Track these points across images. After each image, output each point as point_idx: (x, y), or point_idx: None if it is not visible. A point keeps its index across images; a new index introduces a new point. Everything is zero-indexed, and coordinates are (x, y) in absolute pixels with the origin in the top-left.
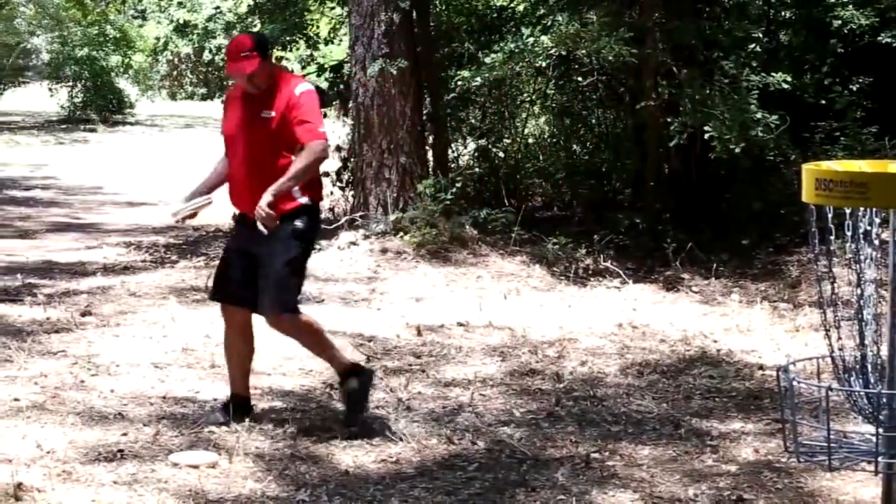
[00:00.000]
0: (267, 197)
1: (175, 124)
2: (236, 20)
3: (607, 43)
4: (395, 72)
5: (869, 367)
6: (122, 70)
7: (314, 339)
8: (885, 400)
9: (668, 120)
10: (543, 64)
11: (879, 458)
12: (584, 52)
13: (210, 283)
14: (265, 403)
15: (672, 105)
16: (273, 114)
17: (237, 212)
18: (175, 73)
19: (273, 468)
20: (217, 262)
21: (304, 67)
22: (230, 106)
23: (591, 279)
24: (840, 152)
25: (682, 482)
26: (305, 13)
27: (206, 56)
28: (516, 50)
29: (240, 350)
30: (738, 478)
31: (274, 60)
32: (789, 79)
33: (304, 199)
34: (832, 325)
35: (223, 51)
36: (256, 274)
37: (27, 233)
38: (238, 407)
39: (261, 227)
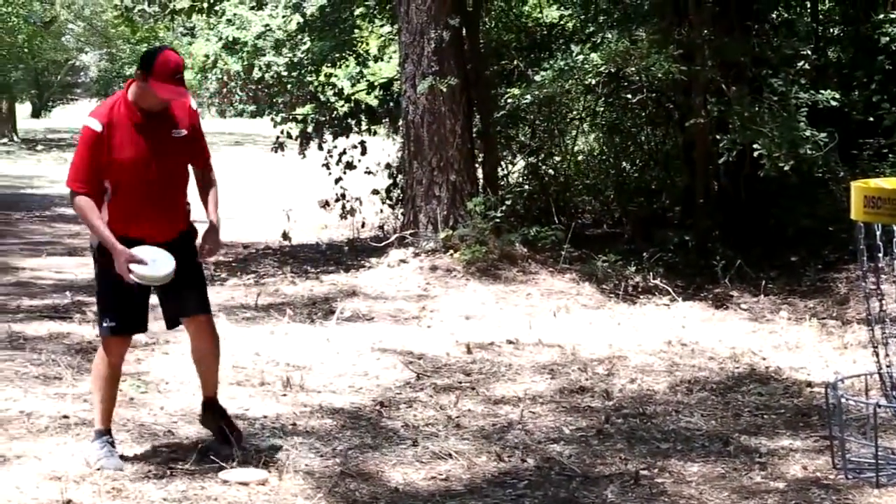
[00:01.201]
0: (219, 234)
1: (224, 142)
2: (286, 38)
3: (657, 60)
4: (445, 89)
5: None
6: None
7: None
8: None
9: (718, 137)
10: (593, 81)
11: None
12: (633, 69)
13: (114, 313)
14: (315, 421)
15: (721, 122)
16: (184, 132)
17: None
18: (224, 90)
19: (323, 485)
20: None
21: (353, 85)
22: (123, 130)
23: (641, 297)
24: (888, 169)
25: (731, 499)
26: (355, 30)
27: (256, 73)
28: (566, 67)
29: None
30: (786, 495)
31: (323, 78)
32: (838, 96)
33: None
34: (880, 342)
35: (273, 68)
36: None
37: (76, 250)
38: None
39: (210, 259)
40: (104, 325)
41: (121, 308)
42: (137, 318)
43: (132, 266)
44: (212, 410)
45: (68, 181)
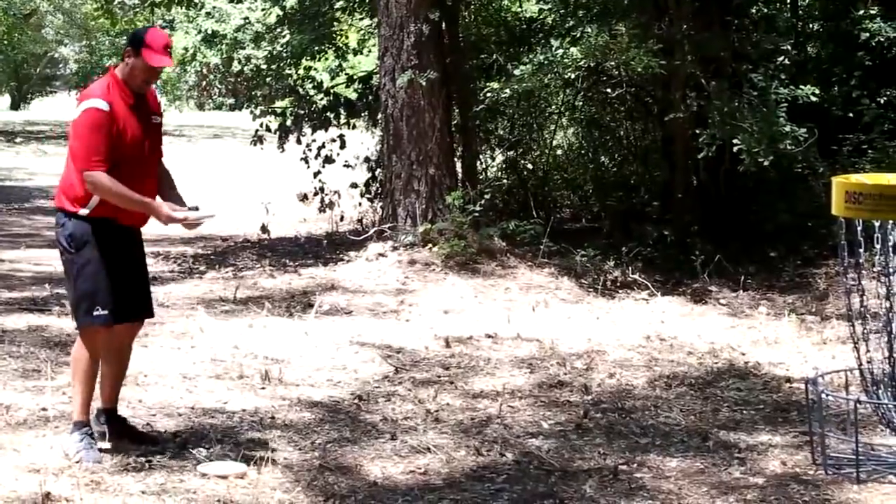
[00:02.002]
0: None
1: (203, 134)
2: (265, 30)
3: (636, 54)
4: (424, 83)
5: None
6: None
7: None
8: None
9: (697, 132)
10: (572, 76)
11: None
12: (613, 63)
13: (108, 301)
14: (293, 414)
15: (700, 117)
16: (159, 119)
17: (115, 223)
18: (203, 83)
19: (301, 479)
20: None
21: (332, 78)
22: (122, 109)
23: (620, 291)
24: (868, 165)
25: (710, 494)
26: (334, 24)
27: (235, 66)
28: (545, 62)
29: (125, 364)
30: (765, 490)
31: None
32: (817, 91)
33: None
34: (860, 338)
35: (252, 61)
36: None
37: (55, 242)
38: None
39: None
40: (95, 314)
41: (116, 295)
42: (133, 304)
43: (180, 214)
44: (122, 420)
45: (83, 163)
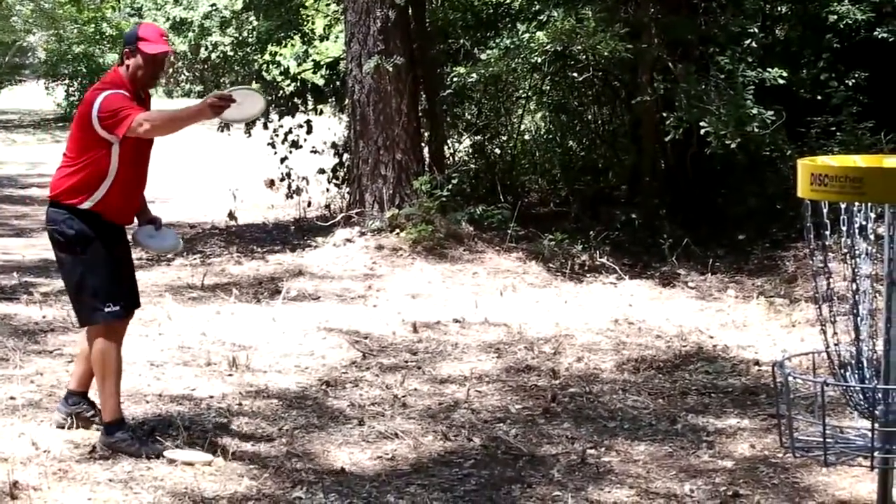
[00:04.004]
0: None
1: None
2: (231, 17)
3: (603, 38)
4: (390, 68)
5: (864, 362)
6: None
7: None
8: (880, 395)
9: (664, 115)
10: (539, 60)
11: (875, 454)
12: (580, 47)
13: (119, 295)
14: (261, 401)
15: (668, 100)
16: None
17: (111, 222)
18: (171, 70)
19: (269, 466)
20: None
21: (299, 64)
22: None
23: (587, 275)
24: (836, 147)
25: (678, 478)
26: (301, 9)
27: (203, 53)
28: (512, 46)
29: None
30: (734, 473)
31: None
32: (785, 74)
33: None
34: (828, 321)
35: (219, 48)
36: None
37: (23, 231)
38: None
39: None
40: (107, 310)
41: (123, 289)
42: (135, 294)
43: (225, 92)
44: (93, 405)
45: (130, 126)
